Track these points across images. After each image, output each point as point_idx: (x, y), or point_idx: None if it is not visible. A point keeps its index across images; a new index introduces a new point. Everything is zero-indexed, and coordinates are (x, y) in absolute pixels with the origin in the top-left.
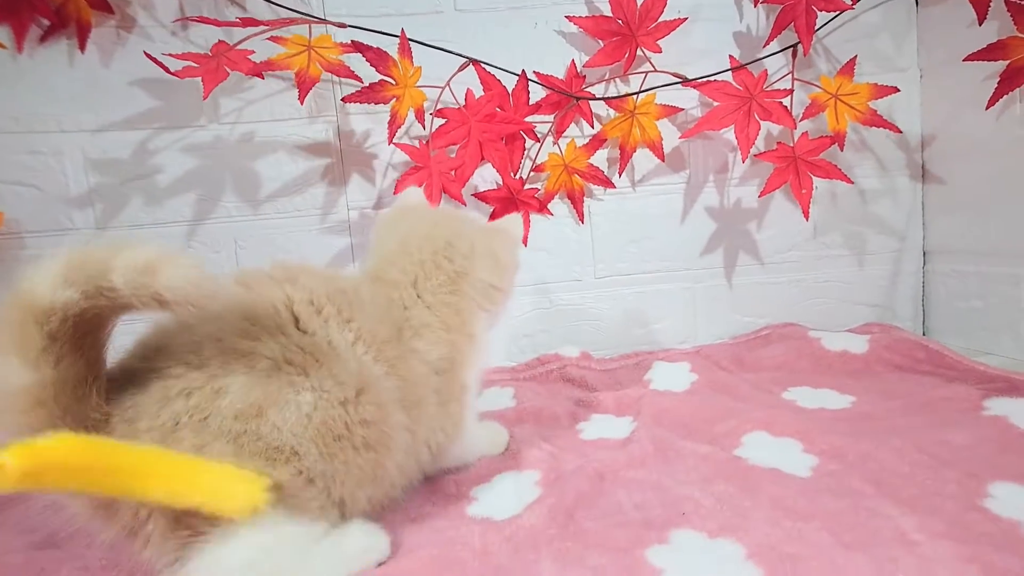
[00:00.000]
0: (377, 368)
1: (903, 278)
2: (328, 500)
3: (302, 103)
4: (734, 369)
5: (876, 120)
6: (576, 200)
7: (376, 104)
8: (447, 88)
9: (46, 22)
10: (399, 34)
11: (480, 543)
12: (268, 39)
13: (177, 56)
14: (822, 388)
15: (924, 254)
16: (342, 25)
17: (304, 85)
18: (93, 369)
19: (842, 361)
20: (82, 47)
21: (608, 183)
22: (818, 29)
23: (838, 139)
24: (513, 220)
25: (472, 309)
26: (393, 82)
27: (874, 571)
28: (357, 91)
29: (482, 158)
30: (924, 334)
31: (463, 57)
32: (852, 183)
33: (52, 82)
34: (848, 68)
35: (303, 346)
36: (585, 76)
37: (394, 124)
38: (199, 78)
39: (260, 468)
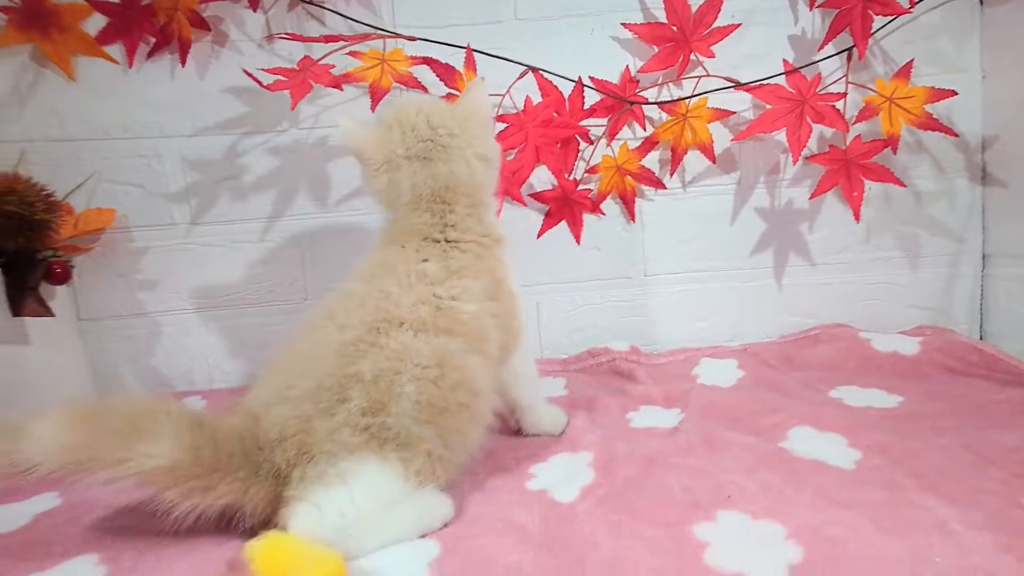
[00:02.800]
0: (442, 335)
1: (960, 281)
2: (442, 463)
3: (373, 111)
4: (782, 367)
5: (931, 124)
6: (628, 200)
7: None
8: (507, 95)
9: (152, 39)
10: (464, 46)
11: (539, 512)
12: (347, 53)
13: (268, 71)
14: (870, 388)
15: (984, 257)
16: (412, 38)
17: (376, 95)
18: None
19: (892, 362)
20: (183, 61)
21: (659, 184)
22: (875, 32)
23: (891, 143)
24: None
25: (490, 218)
26: (459, 93)
27: (910, 555)
28: None
29: (538, 160)
30: (981, 339)
31: (522, 65)
32: (904, 186)
33: (156, 93)
34: (904, 71)
35: (390, 354)
36: (639, 81)
37: None
38: (286, 90)
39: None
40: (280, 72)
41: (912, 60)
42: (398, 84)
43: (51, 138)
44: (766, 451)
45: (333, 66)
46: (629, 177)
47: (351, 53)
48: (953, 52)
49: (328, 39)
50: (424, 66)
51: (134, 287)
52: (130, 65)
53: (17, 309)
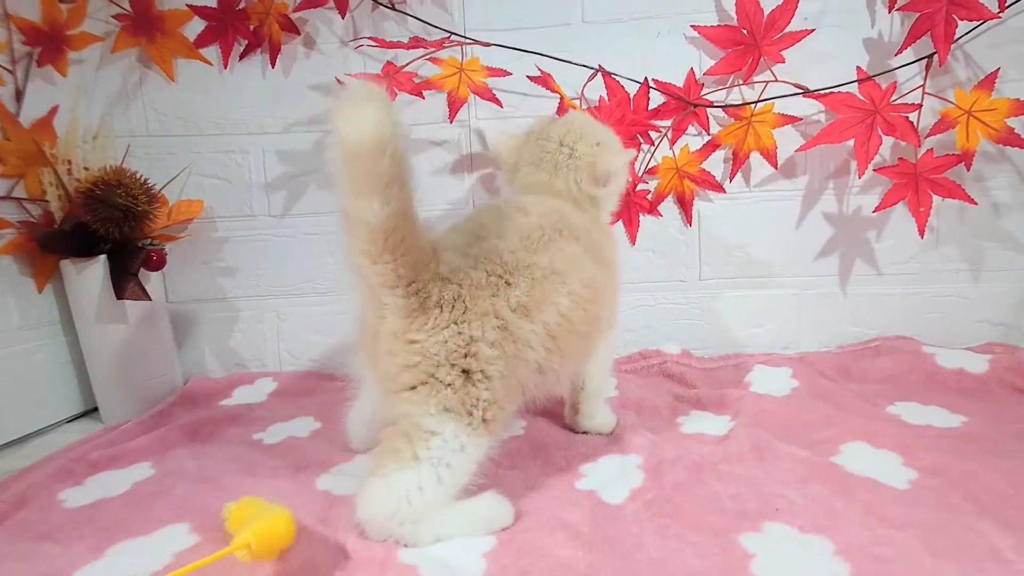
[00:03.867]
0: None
1: None
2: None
3: (452, 122)
4: (838, 378)
5: (1013, 139)
6: (685, 203)
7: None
8: (582, 98)
9: (245, 42)
10: (537, 52)
11: (589, 511)
12: (428, 59)
13: (354, 77)
14: (931, 405)
15: None
16: (487, 44)
17: (454, 106)
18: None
19: (957, 379)
20: (273, 62)
21: (719, 188)
22: (960, 38)
23: (966, 159)
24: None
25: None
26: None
27: None
28: None
29: None
30: None
31: (590, 68)
32: (976, 204)
33: (245, 92)
34: (987, 82)
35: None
36: (703, 83)
37: None
38: None
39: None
40: (365, 78)
41: (998, 70)
42: (474, 94)
43: (151, 133)
44: (817, 464)
45: (416, 74)
46: (688, 180)
47: (431, 59)
48: None
49: (409, 45)
50: (501, 77)
51: (216, 273)
52: (225, 66)
53: (120, 292)
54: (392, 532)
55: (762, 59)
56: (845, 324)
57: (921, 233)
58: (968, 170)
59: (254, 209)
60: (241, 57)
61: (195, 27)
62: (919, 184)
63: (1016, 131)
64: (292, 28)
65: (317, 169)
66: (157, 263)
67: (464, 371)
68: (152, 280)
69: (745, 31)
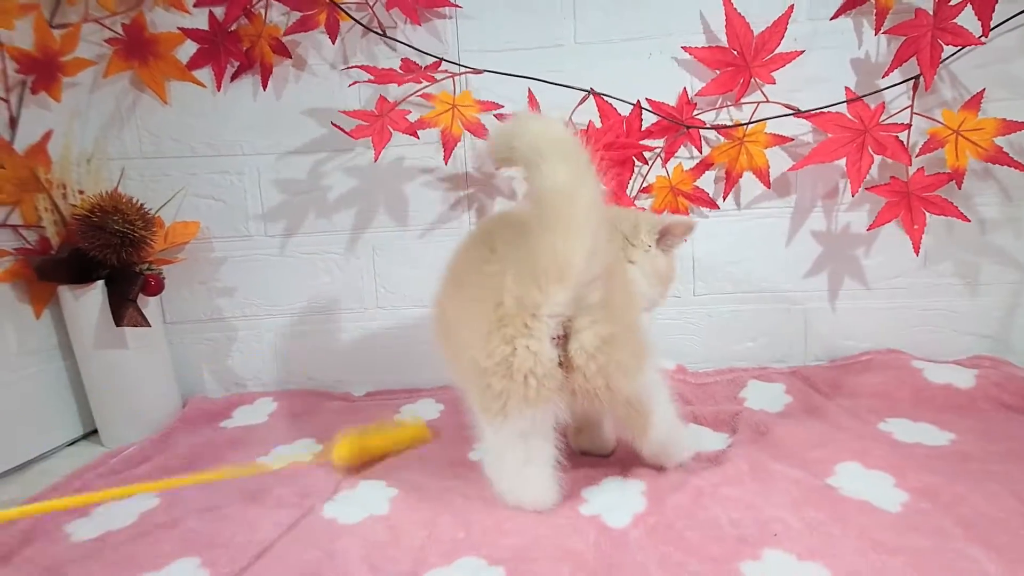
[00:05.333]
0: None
1: (1022, 311)
2: None
3: (447, 163)
4: (831, 393)
5: (1001, 158)
6: None
7: None
8: (570, 123)
9: (237, 63)
10: (530, 76)
11: (593, 538)
12: (420, 96)
13: (348, 114)
14: (921, 422)
15: None
16: (479, 71)
17: (448, 145)
18: None
19: (945, 395)
20: (264, 85)
21: (712, 205)
22: (947, 59)
23: (956, 177)
24: None
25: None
26: None
27: None
28: None
29: None
30: None
31: (582, 91)
32: (969, 221)
33: (238, 114)
34: (974, 102)
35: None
36: (696, 104)
37: None
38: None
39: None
40: (360, 116)
41: (983, 91)
42: (467, 131)
43: (145, 155)
44: (813, 487)
45: (409, 112)
46: (682, 198)
47: (423, 95)
48: None
49: (400, 77)
50: (491, 111)
51: (213, 294)
52: (218, 88)
53: (119, 319)
54: None
55: (753, 80)
56: (837, 338)
57: (916, 250)
58: (959, 188)
59: (250, 230)
60: (233, 79)
61: (187, 49)
62: (912, 202)
63: (1004, 150)
64: (284, 51)
65: (312, 190)
66: (155, 288)
67: None
68: (150, 303)
69: (736, 52)
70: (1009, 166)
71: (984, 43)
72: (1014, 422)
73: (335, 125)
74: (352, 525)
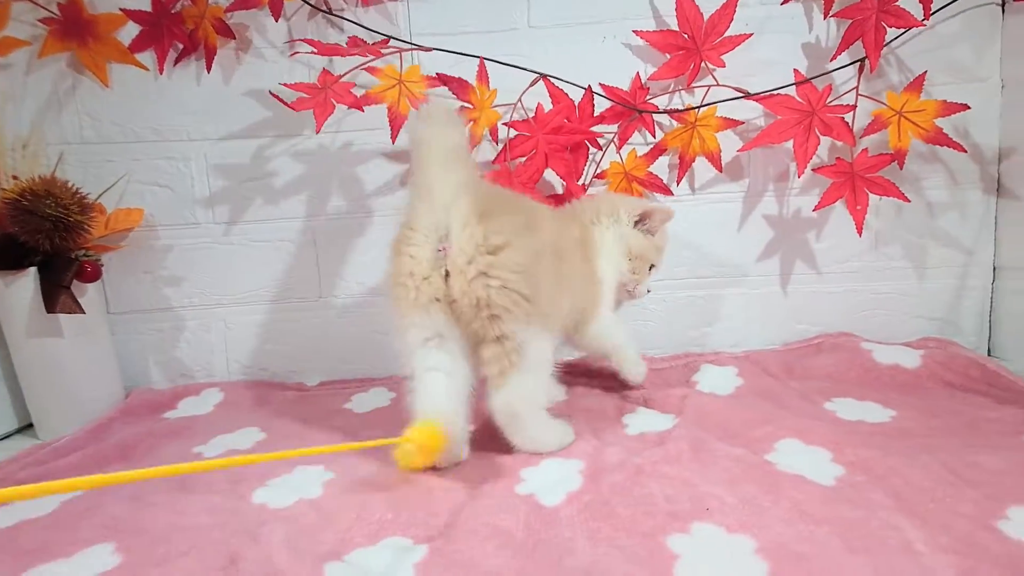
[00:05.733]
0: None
1: (969, 293)
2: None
3: (394, 142)
4: (782, 376)
5: (940, 139)
6: None
7: None
8: (519, 104)
9: (181, 46)
10: (478, 56)
11: (524, 516)
12: (365, 69)
13: (290, 86)
14: (866, 401)
15: (994, 270)
16: (428, 49)
17: (395, 123)
18: None
19: (892, 375)
20: (208, 67)
21: (667, 191)
22: (891, 41)
23: (898, 157)
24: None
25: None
26: (471, 106)
27: (872, 574)
28: None
29: (546, 166)
30: (989, 351)
31: (534, 73)
32: (909, 201)
33: (184, 98)
34: (916, 84)
35: None
36: (649, 88)
37: (472, 143)
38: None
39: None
40: (302, 88)
41: (924, 73)
42: (415, 109)
43: (86, 141)
44: (752, 463)
45: (354, 84)
46: (637, 184)
47: (368, 69)
48: (972, 61)
49: (346, 51)
50: (440, 87)
51: (160, 283)
52: (160, 71)
53: (51, 306)
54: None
55: (704, 64)
56: (790, 322)
57: (859, 231)
58: (901, 168)
59: (198, 217)
60: (177, 61)
61: (131, 31)
62: (856, 183)
63: (944, 131)
64: (228, 32)
65: (262, 175)
66: (91, 275)
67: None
68: (90, 292)
69: (686, 36)
70: (949, 147)
71: (925, 26)
72: (955, 399)
73: (274, 95)
74: (281, 509)
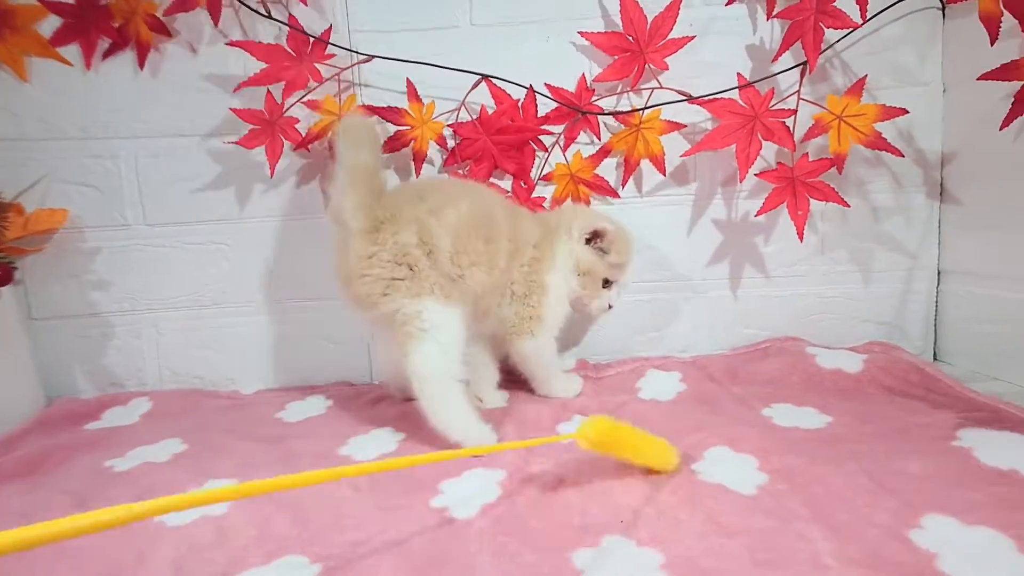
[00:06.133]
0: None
1: (914, 297)
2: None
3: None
4: (725, 381)
5: (879, 143)
6: None
7: (400, 150)
8: (463, 107)
9: (109, 41)
10: (418, 62)
11: (431, 533)
12: (304, 103)
13: (239, 113)
14: (805, 406)
15: (939, 274)
16: (369, 58)
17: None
18: None
19: (834, 379)
20: (141, 64)
21: (613, 193)
22: (835, 43)
23: (837, 162)
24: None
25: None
26: (409, 128)
27: None
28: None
29: (495, 167)
30: (935, 355)
31: (476, 74)
32: (849, 207)
33: (113, 95)
34: (856, 88)
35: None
36: (594, 90)
37: (419, 160)
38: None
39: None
40: (249, 118)
41: (865, 77)
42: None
43: (5, 137)
44: (675, 472)
45: (297, 120)
46: (583, 186)
47: (308, 104)
48: (915, 65)
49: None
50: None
51: (87, 287)
52: (87, 67)
53: None
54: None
55: (648, 67)
56: (739, 327)
57: (800, 236)
58: (840, 173)
59: (128, 218)
60: (105, 56)
61: (54, 23)
62: (796, 188)
63: (883, 135)
64: (163, 30)
65: (196, 175)
66: (2, 278)
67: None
68: (7, 296)
69: (631, 38)
70: (887, 151)
71: (860, 27)
72: (893, 404)
73: (228, 142)
74: (178, 527)
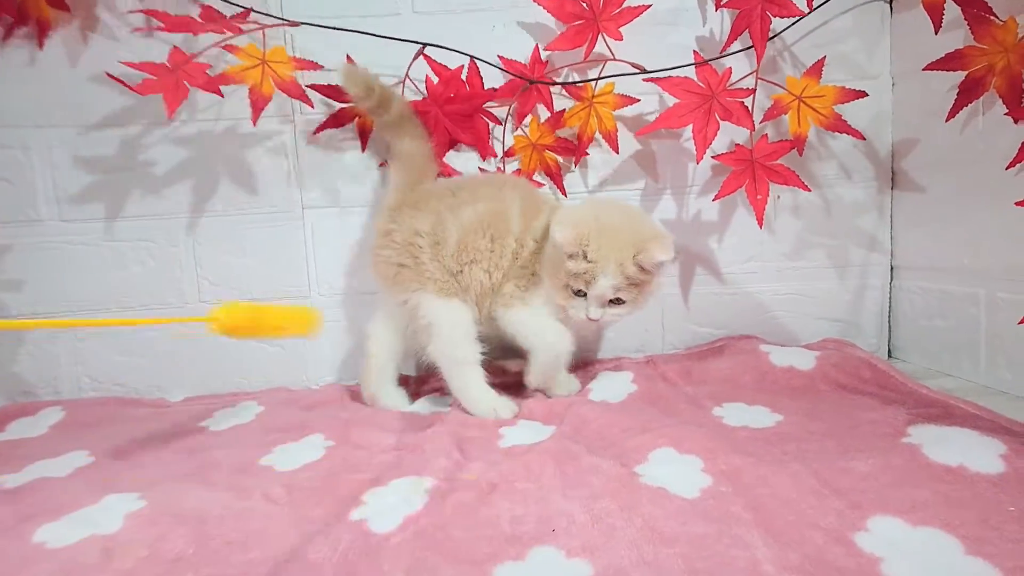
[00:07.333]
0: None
1: (869, 293)
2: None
3: (255, 124)
4: (678, 381)
5: (840, 125)
6: (555, 176)
7: (344, 126)
8: (407, 80)
9: (9, 19)
10: (353, 30)
11: (343, 548)
12: (223, 47)
13: (134, 66)
14: (756, 405)
15: (892, 269)
16: (295, 23)
17: (257, 105)
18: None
19: (787, 377)
20: (40, 44)
21: (579, 151)
22: (782, 31)
23: (798, 143)
24: None
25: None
26: (346, 106)
27: None
28: (323, 122)
29: (452, 140)
30: (889, 351)
31: (415, 43)
32: (810, 190)
33: (19, 79)
34: (815, 69)
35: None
36: (547, 62)
37: (364, 135)
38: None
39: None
40: (148, 69)
41: (824, 58)
42: (281, 91)
43: None
44: (617, 476)
45: (209, 65)
46: (549, 152)
47: (227, 47)
48: (864, 58)
49: (200, 26)
50: (310, 71)
51: None
52: None
53: None
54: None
55: (601, 38)
56: (693, 325)
57: (759, 222)
58: (800, 155)
59: (41, 214)
60: (6, 37)
61: None
62: (756, 171)
63: (843, 117)
64: (60, 4)
65: (118, 168)
66: None
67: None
68: None
69: (585, 5)
70: (847, 133)
71: (806, 14)
72: (844, 401)
73: (111, 76)
74: (60, 548)
